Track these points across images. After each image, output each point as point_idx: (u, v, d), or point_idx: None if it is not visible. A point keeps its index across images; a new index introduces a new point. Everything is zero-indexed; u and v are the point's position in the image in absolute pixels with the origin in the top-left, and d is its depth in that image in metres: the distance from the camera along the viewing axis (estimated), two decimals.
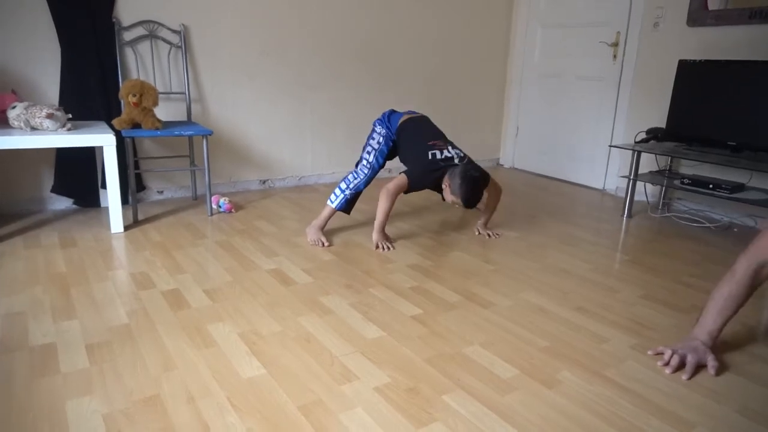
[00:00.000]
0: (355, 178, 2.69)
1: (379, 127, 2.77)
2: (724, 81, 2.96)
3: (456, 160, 2.59)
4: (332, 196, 2.71)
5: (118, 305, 1.96)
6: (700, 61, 3.07)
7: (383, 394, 1.48)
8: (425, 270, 2.38)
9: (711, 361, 1.65)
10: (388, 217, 2.64)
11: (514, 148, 4.72)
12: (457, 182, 2.46)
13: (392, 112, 2.81)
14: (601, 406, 1.46)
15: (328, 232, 2.80)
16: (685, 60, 3.13)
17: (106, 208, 3.15)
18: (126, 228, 2.81)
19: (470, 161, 2.63)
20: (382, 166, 2.74)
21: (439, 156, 2.59)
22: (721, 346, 1.78)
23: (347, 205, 2.74)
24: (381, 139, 2.73)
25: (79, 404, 1.39)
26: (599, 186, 4.03)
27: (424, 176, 2.58)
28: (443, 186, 2.58)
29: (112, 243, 2.60)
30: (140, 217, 3.01)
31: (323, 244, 2.64)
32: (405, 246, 2.68)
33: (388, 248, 2.62)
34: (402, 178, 2.56)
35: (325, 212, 2.72)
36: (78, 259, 2.39)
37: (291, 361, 1.63)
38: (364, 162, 2.72)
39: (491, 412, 1.41)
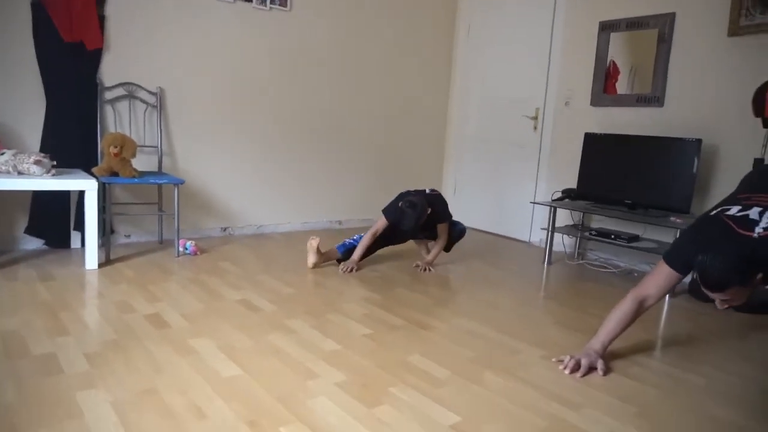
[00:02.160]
0: (359, 238, 3.40)
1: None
2: (620, 151, 3.60)
3: (427, 190, 3.36)
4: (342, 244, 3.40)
5: (105, 325, 2.22)
6: (601, 134, 3.72)
7: (341, 387, 1.82)
8: (375, 301, 2.76)
9: (600, 365, 2.09)
10: (363, 249, 3.33)
11: (453, 204, 5.24)
12: (400, 207, 3.14)
13: None
14: (514, 394, 1.86)
15: (290, 271, 3.15)
16: (590, 133, 3.78)
17: (77, 249, 3.38)
18: (99, 266, 3.05)
19: (439, 197, 3.37)
20: None
21: (411, 189, 3.39)
22: (609, 356, 2.23)
23: (346, 253, 3.36)
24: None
25: (88, 395, 1.66)
26: (526, 239, 4.58)
27: (395, 202, 3.29)
28: None
29: (88, 278, 2.85)
30: (111, 257, 3.26)
31: (351, 269, 3.26)
32: (358, 284, 3.06)
33: (351, 270, 3.27)
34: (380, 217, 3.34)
35: (356, 253, 3.34)
36: (59, 289, 2.63)
37: (263, 365, 1.95)
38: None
39: (428, 399, 1.78)
